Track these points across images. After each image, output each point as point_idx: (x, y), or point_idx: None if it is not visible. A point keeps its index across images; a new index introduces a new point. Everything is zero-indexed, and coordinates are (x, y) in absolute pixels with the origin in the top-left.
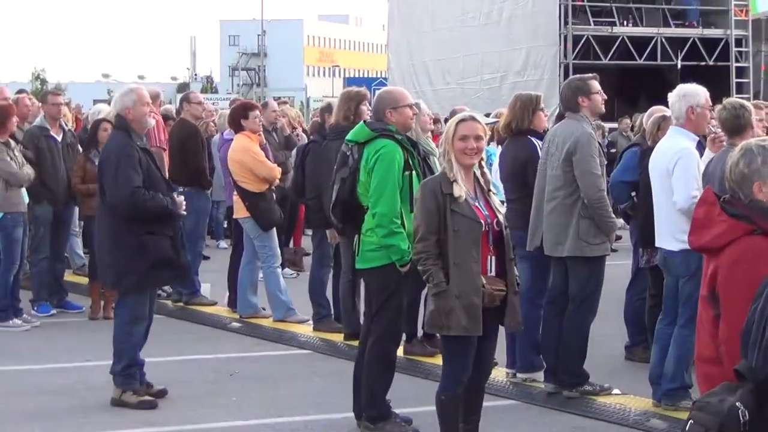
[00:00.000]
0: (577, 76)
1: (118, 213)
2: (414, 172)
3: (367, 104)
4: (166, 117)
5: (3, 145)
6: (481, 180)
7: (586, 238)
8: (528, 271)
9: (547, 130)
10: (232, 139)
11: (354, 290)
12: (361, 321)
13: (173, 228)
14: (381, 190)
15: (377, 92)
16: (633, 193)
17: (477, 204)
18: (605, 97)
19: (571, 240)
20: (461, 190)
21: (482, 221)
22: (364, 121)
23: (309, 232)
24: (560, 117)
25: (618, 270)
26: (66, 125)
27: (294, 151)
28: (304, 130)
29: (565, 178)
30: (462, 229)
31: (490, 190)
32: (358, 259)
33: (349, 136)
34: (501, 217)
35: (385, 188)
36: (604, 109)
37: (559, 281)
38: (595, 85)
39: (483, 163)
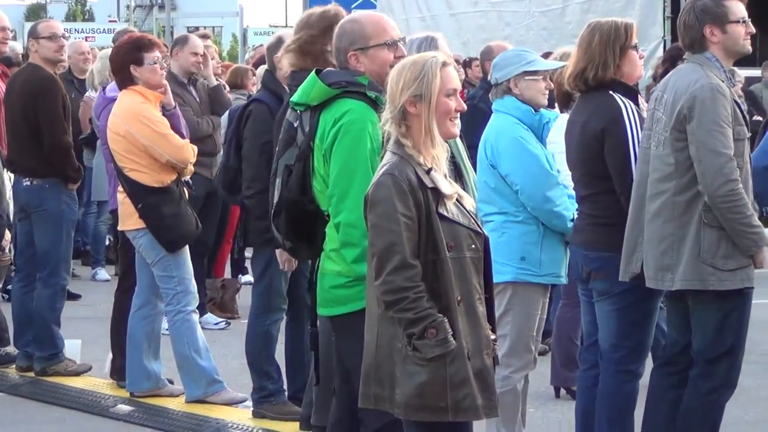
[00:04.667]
0: None
1: None
2: None
3: None
4: (8, 62)
5: None
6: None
7: (713, 261)
8: (615, 317)
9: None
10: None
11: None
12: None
13: None
14: (345, 185)
15: (339, 23)
16: None
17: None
18: (752, 29)
19: (688, 263)
20: (449, 182)
21: (481, 230)
22: (317, 71)
23: (248, 252)
24: (673, 61)
25: (760, 312)
26: None
27: (224, 117)
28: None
29: (677, 160)
30: (458, 245)
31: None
32: (319, 297)
33: (295, 96)
34: (479, 221)
35: (352, 181)
36: (749, 48)
37: (678, 331)
38: (738, 8)
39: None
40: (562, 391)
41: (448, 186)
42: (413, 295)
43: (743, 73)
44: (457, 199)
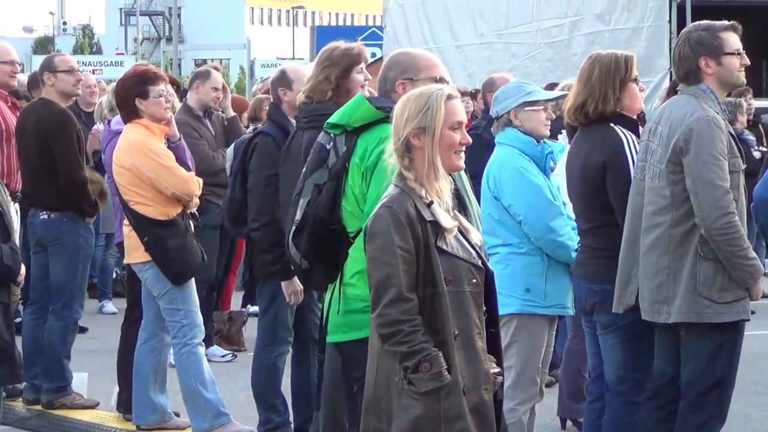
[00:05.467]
0: (703, 23)
1: None
2: None
3: (364, 70)
4: (16, 94)
5: None
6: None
7: (710, 293)
8: (620, 349)
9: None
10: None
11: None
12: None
13: (8, 292)
14: None
15: (390, 55)
16: None
17: (463, 237)
18: (747, 61)
19: (684, 296)
20: (451, 216)
21: (482, 264)
22: (362, 96)
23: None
24: (673, 92)
25: (761, 344)
26: None
27: (230, 150)
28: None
29: (672, 193)
30: (457, 279)
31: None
32: (333, 323)
33: (333, 118)
34: (483, 254)
35: None
36: (743, 80)
37: (666, 362)
38: (733, 40)
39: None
40: (569, 423)
41: (448, 219)
42: (408, 329)
43: (753, 104)
44: (461, 233)
